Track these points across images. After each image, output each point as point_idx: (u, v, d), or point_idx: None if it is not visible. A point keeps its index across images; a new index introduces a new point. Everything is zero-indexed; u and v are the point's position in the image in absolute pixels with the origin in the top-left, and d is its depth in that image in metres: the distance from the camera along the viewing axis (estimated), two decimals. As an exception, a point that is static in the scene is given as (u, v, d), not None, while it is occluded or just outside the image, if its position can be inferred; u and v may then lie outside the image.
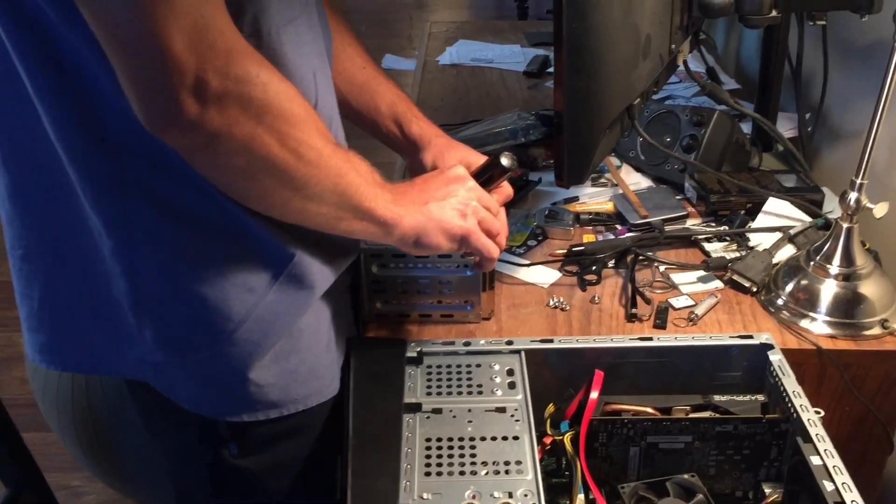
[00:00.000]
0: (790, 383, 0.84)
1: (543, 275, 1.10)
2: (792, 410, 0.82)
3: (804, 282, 1.01)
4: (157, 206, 0.74)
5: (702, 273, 1.08)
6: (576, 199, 1.29)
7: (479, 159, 0.99)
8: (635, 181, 1.34)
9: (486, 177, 0.90)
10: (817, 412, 0.81)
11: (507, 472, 0.76)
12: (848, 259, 0.99)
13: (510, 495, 0.73)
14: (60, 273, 0.80)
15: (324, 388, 0.88)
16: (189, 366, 0.81)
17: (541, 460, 0.79)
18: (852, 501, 0.71)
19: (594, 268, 1.10)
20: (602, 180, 1.35)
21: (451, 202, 0.85)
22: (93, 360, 0.84)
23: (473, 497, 0.73)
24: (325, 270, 0.85)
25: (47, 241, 0.79)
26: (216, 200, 0.75)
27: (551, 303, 1.04)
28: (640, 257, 1.11)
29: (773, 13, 1.09)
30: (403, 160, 1.09)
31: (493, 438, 0.80)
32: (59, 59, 0.67)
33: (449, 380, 0.87)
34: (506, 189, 0.94)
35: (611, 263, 1.12)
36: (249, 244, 0.78)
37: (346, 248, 0.90)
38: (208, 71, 0.62)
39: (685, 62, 1.21)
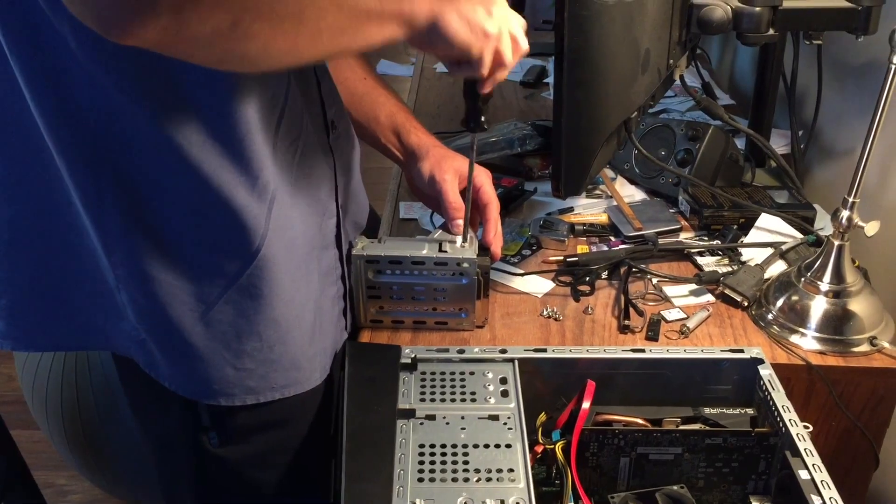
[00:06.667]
0: (779, 398, 0.85)
1: (537, 284, 1.11)
2: (781, 424, 0.83)
3: (795, 297, 1.02)
4: (124, 185, 0.74)
5: (694, 286, 1.09)
6: (570, 209, 1.30)
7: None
8: (629, 193, 1.35)
9: None
10: (806, 427, 0.82)
11: (499, 479, 0.76)
12: (838, 276, 1.00)
13: (502, 503, 0.74)
14: (52, 252, 0.80)
15: (303, 379, 0.88)
16: (166, 344, 0.81)
17: (531, 468, 0.80)
18: (839, 516, 0.72)
19: (588, 279, 1.11)
20: (597, 192, 1.36)
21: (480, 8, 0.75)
22: (85, 335, 0.84)
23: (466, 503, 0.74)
24: (298, 251, 0.85)
25: (40, 221, 0.79)
26: (188, 181, 0.74)
27: (545, 312, 1.05)
28: (634, 269, 1.12)
29: (771, 32, 1.10)
30: (401, 170, 1.10)
31: (486, 446, 0.80)
32: (38, 39, 0.67)
33: (443, 387, 0.88)
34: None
35: (604, 275, 1.13)
36: (220, 226, 0.78)
37: (324, 223, 0.90)
38: None
39: (682, 77, 1.22)
